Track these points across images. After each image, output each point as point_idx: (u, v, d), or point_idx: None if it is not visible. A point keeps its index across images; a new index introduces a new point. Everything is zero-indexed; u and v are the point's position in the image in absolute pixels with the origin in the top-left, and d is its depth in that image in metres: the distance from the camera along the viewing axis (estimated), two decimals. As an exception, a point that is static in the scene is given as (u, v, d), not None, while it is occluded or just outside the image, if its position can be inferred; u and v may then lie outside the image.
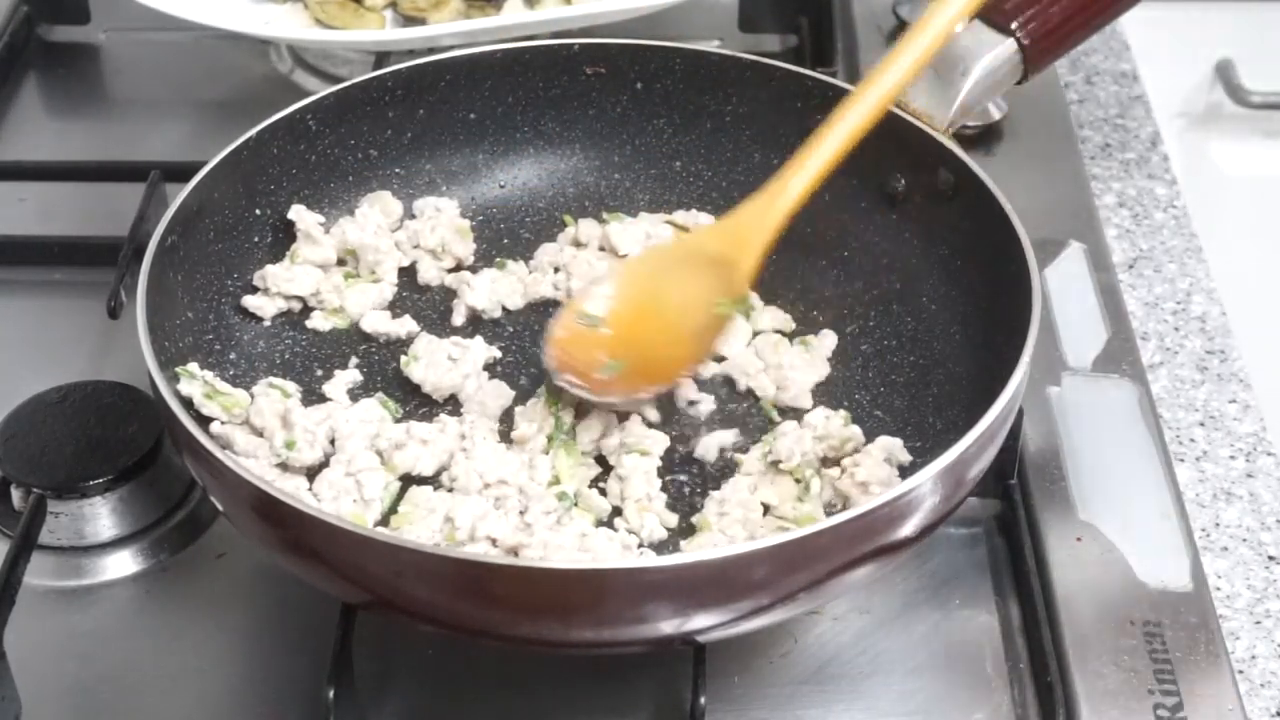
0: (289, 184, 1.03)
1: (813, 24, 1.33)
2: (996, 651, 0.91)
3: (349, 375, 0.97)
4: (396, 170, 1.08)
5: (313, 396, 0.96)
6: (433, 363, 0.96)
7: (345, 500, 0.87)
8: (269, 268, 1.01)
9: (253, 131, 1.00)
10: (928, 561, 0.94)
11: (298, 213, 1.02)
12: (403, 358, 0.98)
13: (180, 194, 0.95)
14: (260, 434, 0.91)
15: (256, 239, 1.02)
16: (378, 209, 1.05)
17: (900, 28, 1.35)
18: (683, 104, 1.09)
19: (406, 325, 1.00)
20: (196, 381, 0.91)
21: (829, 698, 0.88)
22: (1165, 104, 1.47)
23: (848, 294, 1.03)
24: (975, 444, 0.81)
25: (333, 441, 0.92)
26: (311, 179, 1.04)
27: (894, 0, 1.37)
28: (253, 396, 0.93)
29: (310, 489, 0.89)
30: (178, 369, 0.91)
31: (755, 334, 1.01)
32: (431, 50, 1.12)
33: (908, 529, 0.81)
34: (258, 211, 1.02)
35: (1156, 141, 1.32)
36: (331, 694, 0.81)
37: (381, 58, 1.25)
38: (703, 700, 0.82)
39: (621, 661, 0.89)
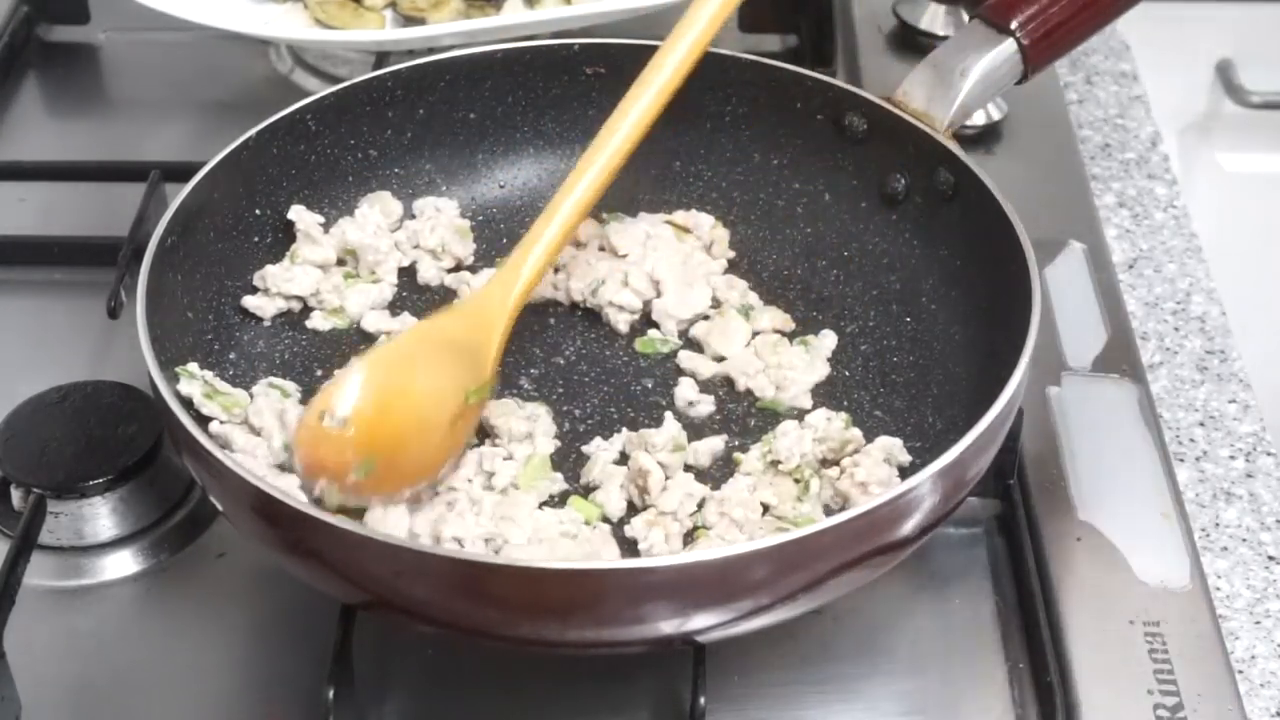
0: (289, 184, 1.03)
1: (813, 24, 1.33)
2: (996, 651, 0.91)
3: None
4: (396, 170, 1.08)
5: (312, 396, 0.96)
6: None
7: None
8: (269, 268, 1.01)
9: (253, 131, 1.00)
10: (928, 561, 0.94)
11: (298, 213, 1.02)
12: (383, 336, 0.98)
13: (180, 194, 0.95)
14: (259, 434, 0.91)
15: (256, 239, 1.02)
16: (378, 209, 1.05)
17: (900, 27, 1.35)
18: (683, 104, 1.09)
19: (406, 325, 1.00)
20: (196, 381, 0.91)
21: (829, 698, 0.88)
22: (1165, 103, 1.47)
23: (848, 294, 1.03)
24: (975, 444, 0.81)
25: None
26: (311, 179, 1.04)
27: (894, 0, 1.37)
28: (252, 396, 0.93)
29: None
30: (178, 369, 0.91)
31: (755, 334, 1.01)
32: (431, 50, 1.12)
33: (907, 529, 0.81)
34: (258, 211, 1.02)
35: (1156, 141, 1.32)
36: (331, 694, 0.81)
37: (381, 58, 1.25)
38: (703, 700, 0.82)
39: (621, 661, 0.89)
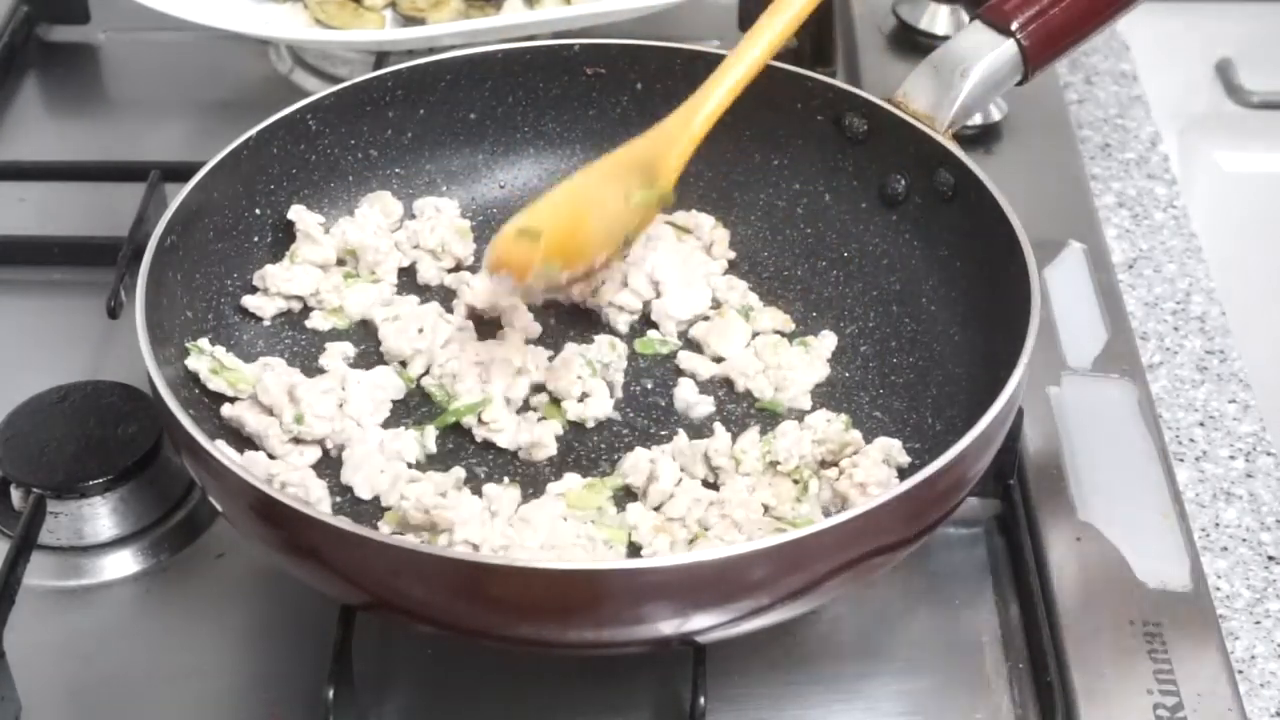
0: (289, 184, 1.03)
1: (813, 24, 1.32)
2: (996, 651, 0.91)
3: (341, 347, 0.99)
4: (396, 170, 1.08)
5: (313, 396, 0.96)
6: (404, 327, 0.97)
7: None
8: (269, 268, 1.01)
9: (253, 131, 1.00)
10: (928, 561, 0.95)
11: (298, 213, 1.02)
12: (383, 310, 0.99)
13: (180, 194, 0.95)
14: (270, 412, 0.92)
15: (256, 239, 1.02)
16: (378, 209, 1.05)
17: (900, 27, 1.35)
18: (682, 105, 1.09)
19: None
20: (204, 357, 0.92)
21: (829, 698, 0.88)
22: (1165, 104, 1.47)
23: (848, 294, 1.03)
24: (973, 445, 0.81)
25: (341, 406, 0.93)
26: (311, 179, 1.04)
27: (894, 0, 1.37)
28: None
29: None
30: (186, 344, 0.92)
31: (755, 335, 1.01)
32: (431, 50, 1.12)
33: (906, 530, 0.81)
34: (258, 211, 1.02)
35: (1156, 141, 1.32)
36: (331, 694, 0.81)
37: (381, 58, 1.25)
38: (703, 700, 0.82)
39: (621, 661, 0.89)
